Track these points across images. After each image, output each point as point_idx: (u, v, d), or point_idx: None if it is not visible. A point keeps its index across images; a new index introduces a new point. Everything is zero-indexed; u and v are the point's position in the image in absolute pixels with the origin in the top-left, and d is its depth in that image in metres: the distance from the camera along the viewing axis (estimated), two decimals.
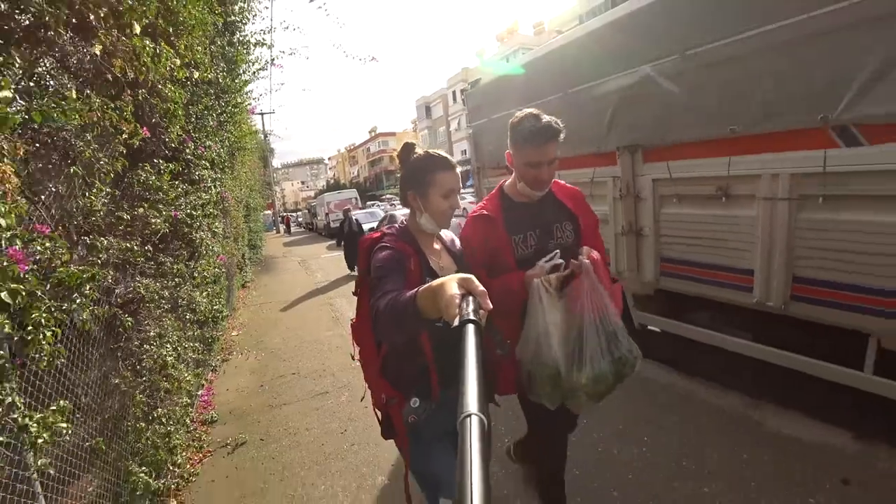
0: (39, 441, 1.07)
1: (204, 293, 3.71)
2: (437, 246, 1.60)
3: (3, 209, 0.89)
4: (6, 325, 0.92)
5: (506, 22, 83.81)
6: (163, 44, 1.95)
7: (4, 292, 0.82)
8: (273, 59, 4.97)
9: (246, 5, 4.26)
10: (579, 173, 4.07)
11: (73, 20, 1.52)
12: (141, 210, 2.13)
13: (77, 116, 1.38)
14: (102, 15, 1.47)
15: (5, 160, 1.02)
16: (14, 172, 1.03)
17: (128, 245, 1.91)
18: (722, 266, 3.20)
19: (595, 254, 1.69)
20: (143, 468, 2.18)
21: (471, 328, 0.72)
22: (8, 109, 1.02)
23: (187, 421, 3.06)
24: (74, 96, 1.38)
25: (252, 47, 4.73)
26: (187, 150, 2.93)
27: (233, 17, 4.06)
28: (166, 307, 2.65)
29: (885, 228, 2.37)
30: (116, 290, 1.98)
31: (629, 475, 2.58)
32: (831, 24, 2.33)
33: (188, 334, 3.24)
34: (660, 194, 3.50)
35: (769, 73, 2.65)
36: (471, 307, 0.80)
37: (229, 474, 3.00)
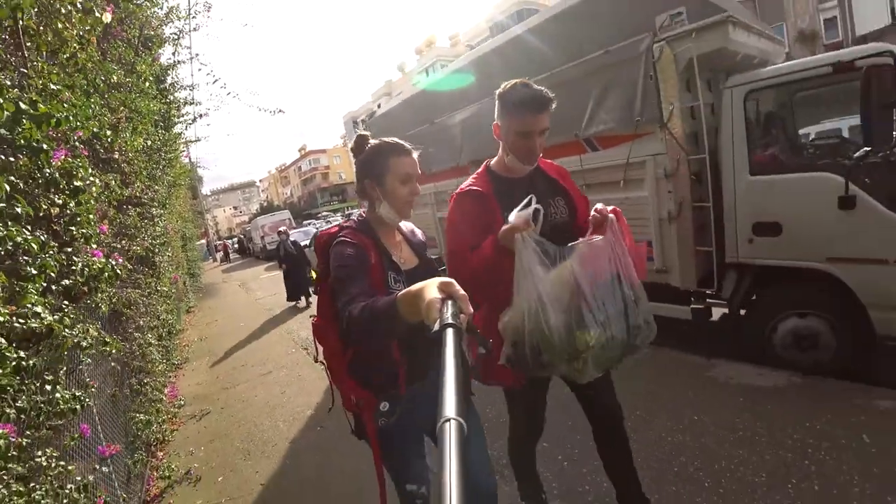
0: (113, 351, 2.11)
1: (162, 305, 4.70)
2: (397, 238, 1.54)
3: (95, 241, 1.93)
4: (104, 301, 1.94)
5: (423, 35, 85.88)
6: (134, 133, 2.99)
7: (112, 272, 1.86)
8: (200, 115, 6.01)
9: (175, 78, 5.32)
10: (447, 184, 5.42)
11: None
12: (124, 242, 3.14)
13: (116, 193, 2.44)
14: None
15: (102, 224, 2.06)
16: (109, 223, 2.04)
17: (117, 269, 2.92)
18: None
19: (617, 208, 1.56)
20: (141, 416, 3.21)
21: (450, 332, 0.73)
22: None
23: (164, 396, 4.04)
24: (115, 184, 2.43)
25: (182, 105, 5.77)
26: (145, 197, 3.93)
27: (164, 85, 5.07)
28: (143, 310, 3.65)
29: (622, 202, 3.83)
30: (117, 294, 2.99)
31: None
32: (572, 75, 3.79)
33: (157, 333, 4.25)
34: None
35: None
36: (450, 311, 0.80)
37: (200, 431, 4.09)
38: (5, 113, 1.01)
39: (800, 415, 2.73)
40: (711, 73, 3.53)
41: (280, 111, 5.55)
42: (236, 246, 34.98)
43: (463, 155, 5.01)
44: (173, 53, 4.87)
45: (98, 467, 1.92)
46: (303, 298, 8.99)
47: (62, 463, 1.54)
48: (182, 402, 4.69)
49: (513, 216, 1.42)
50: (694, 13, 3.19)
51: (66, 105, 1.49)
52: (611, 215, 1.51)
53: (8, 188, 1.06)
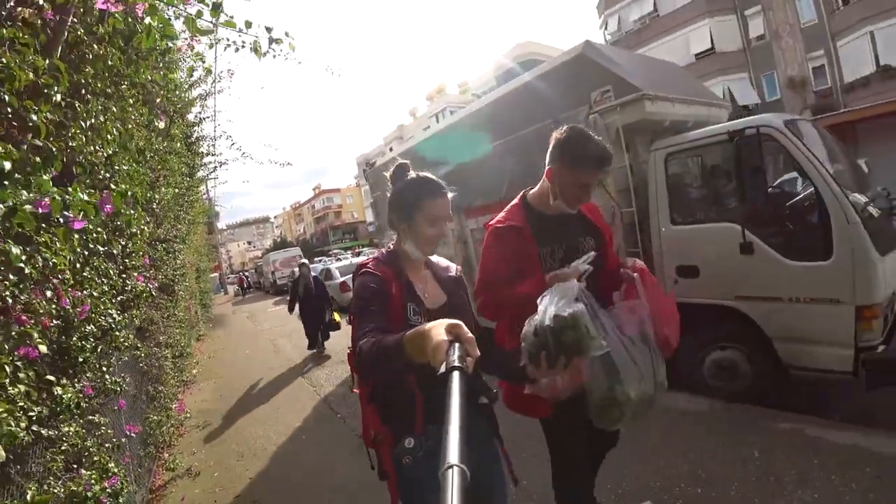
0: (142, 355, 2.74)
1: (178, 329, 5.39)
2: (424, 272, 1.52)
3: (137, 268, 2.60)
4: (137, 316, 2.59)
5: (435, 82, 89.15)
6: (167, 186, 3.78)
7: (149, 293, 2.51)
8: (221, 164, 6.93)
9: (200, 132, 6.26)
10: None
11: None
12: (152, 272, 3.83)
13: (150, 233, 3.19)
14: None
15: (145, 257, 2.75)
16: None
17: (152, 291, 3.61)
18: None
19: (641, 263, 1.60)
20: (154, 416, 3.82)
21: (456, 375, 0.72)
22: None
23: (173, 406, 4.65)
24: (150, 226, 3.17)
25: (204, 156, 6.68)
26: (170, 235, 4.68)
27: (190, 140, 5.97)
28: (162, 329, 4.33)
29: None
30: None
31: None
32: (529, 139, 4.52)
33: (172, 350, 4.92)
34: (476, 238, 5.56)
35: (505, 168, 4.81)
36: (457, 354, 0.80)
37: (202, 437, 4.70)
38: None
39: (707, 434, 3.17)
40: (652, 136, 4.17)
41: (288, 164, 6.37)
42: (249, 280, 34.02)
43: None
44: (199, 112, 5.78)
45: (128, 433, 2.53)
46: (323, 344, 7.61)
47: (104, 427, 2.17)
48: (188, 415, 5.28)
49: (573, 267, 1.52)
50: (619, 90, 3.91)
51: (124, 172, 2.19)
52: (635, 275, 1.57)
53: (105, 236, 1.74)
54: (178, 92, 3.35)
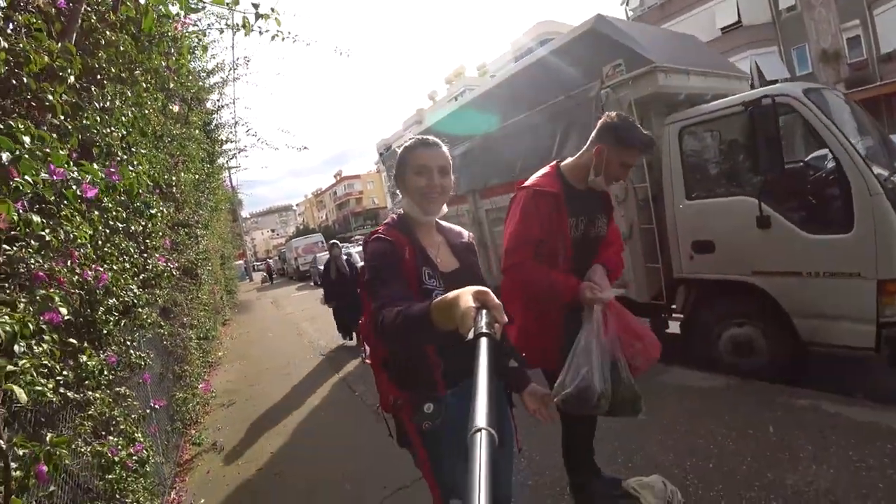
0: (165, 333, 2.89)
1: (202, 311, 5.61)
2: (436, 238, 1.52)
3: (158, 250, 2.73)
4: (161, 297, 2.72)
5: (453, 65, 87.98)
6: (186, 172, 3.92)
7: (170, 273, 2.64)
8: (240, 150, 7.10)
9: (218, 120, 6.42)
10: (450, 209, 6.14)
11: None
12: (175, 255, 3.99)
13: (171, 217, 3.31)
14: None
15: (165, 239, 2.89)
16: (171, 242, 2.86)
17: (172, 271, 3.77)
18: None
19: (609, 293, 1.78)
20: (180, 394, 4.01)
21: (484, 341, 0.73)
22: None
23: (199, 387, 4.87)
24: (171, 211, 3.29)
25: (224, 143, 6.85)
26: (191, 220, 4.85)
27: (210, 127, 6.13)
28: (186, 311, 4.52)
29: None
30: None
31: None
32: (543, 116, 4.48)
33: (197, 332, 5.14)
34: (490, 218, 5.58)
35: (518, 147, 4.79)
36: (485, 320, 0.81)
37: (226, 415, 4.90)
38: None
39: (722, 410, 3.13)
40: (668, 110, 4.06)
41: (305, 148, 6.46)
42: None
43: (461, 185, 5.75)
44: (217, 100, 5.92)
45: (153, 405, 2.68)
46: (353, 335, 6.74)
47: (129, 399, 2.30)
48: (214, 395, 5.53)
49: (605, 295, 1.72)
50: (631, 64, 3.82)
51: (141, 154, 2.28)
52: (596, 307, 1.73)
53: (124, 214, 1.85)
54: (191, 77, 3.44)
